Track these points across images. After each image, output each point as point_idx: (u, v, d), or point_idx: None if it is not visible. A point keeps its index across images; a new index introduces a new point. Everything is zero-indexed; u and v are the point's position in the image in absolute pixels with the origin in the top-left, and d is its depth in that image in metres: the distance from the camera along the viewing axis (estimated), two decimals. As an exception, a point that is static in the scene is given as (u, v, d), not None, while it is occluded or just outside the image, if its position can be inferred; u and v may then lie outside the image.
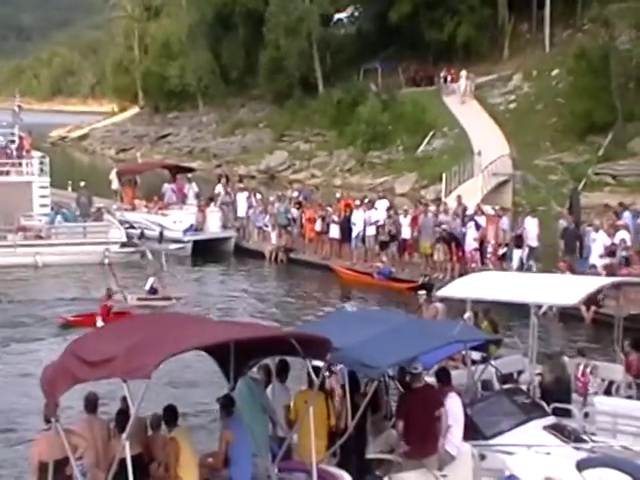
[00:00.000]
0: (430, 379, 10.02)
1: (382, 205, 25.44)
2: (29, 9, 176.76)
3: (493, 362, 11.21)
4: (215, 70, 62.34)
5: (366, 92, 49.05)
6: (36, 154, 30.68)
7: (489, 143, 38.59)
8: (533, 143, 39.77)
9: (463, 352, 10.77)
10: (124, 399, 8.30)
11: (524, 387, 11.02)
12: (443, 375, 9.80)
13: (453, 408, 9.27)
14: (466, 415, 9.46)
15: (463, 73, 47.53)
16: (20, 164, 29.49)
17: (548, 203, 33.24)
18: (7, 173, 28.71)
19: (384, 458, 9.49)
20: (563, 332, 17.97)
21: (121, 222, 28.07)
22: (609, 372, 11.92)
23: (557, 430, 9.80)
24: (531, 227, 21.77)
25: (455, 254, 22.38)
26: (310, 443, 8.44)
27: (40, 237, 26.55)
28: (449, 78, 48.97)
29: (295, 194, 29.09)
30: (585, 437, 9.89)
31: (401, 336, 9.64)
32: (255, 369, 9.50)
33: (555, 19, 47.42)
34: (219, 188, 29.93)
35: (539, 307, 12.05)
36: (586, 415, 10.65)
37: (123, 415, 8.11)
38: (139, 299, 20.60)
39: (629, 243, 19.77)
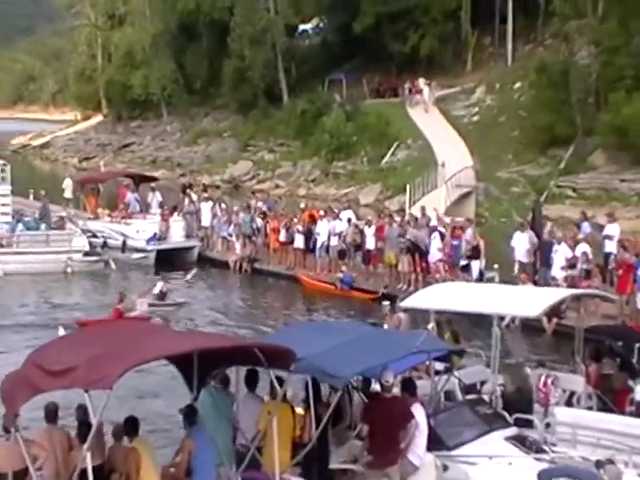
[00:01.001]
0: (394, 389, 10.03)
1: (346, 215, 25.51)
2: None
3: (456, 373, 11.26)
4: (179, 79, 62.14)
5: (330, 103, 49.20)
6: (-3, 162, 30.32)
7: (453, 155, 38.88)
8: (496, 155, 40.18)
9: (427, 362, 10.82)
10: (79, 408, 8.22)
11: (486, 398, 11.09)
12: (409, 385, 9.84)
13: (417, 418, 9.30)
14: (429, 425, 9.49)
15: (421, 80, 47.90)
16: (-20, 172, 29.12)
17: (510, 215, 33.55)
18: (-33, 181, 28.34)
19: (347, 468, 9.49)
20: (525, 343, 18.13)
21: (84, 231, 27.82)
22: (570, 383, 12.03)
23: (519, 441, 9.87)
24: (520, 242, 21.12)
25: (419, 265, 22.49)
26: (274, 453, 8.41)
27: (1, 245, 26.21)
28: (413, 90, 49.29)
29: (259, 204, 29.06)
30: (546, 448, 9.96)
31: (364, 346, 9.68)
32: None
33: (517, 34, 48.02)
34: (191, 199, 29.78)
35: (502, 318, 12.14)
36: (547, 426, 10.74)
37: (84, 426, 8.02)
38: (149, 305, 20.63)
39: (590, 256, 20.01)
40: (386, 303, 16.74)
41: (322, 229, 24.69)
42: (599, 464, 8.73)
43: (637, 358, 12.76)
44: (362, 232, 23.91)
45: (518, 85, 44.85)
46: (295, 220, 25.79)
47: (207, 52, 59.26)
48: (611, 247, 20.55)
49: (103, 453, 8.33)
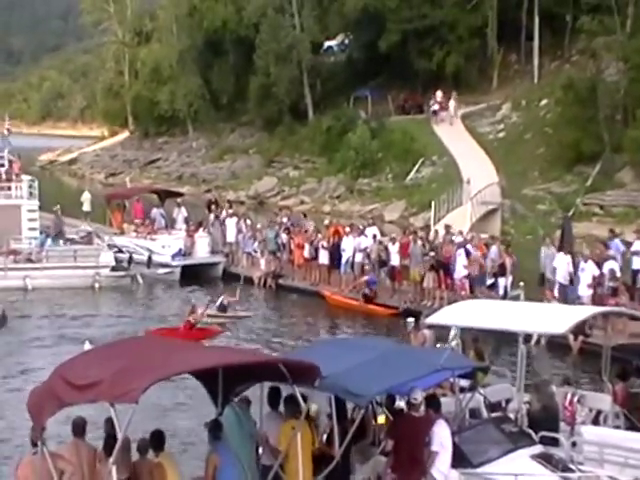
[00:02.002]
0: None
1: (371, 232, 25.51)
2: (19, 33, 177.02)
3: (481, 390, 11.19)
4: (205, 96, 62.55)
5: (356, 119, 49.26)
6: (25, 178, 30.70)
7: (478, 172, 38.75)
8: (521, 172, 40.01)
9: (451, 379, 10.77)
10: (108, 421, 8.26)
11: (512, 415, 10.99)
12: (433, 402, 9.78)
13: (441, 435, 9.25)
14: (453, 443, 9.43)
15: (438, 94, 48.00)
16: (9, 188, 29.49)
17: (536, 232, 33.36)
18: (-4, 197, 28.70)
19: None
20: (551, 361, 17.98)
21: (109, 246, 28.04)
22: (597, 402, 11.92)
23: (544, 459, 9.76)
24: (561, 264, 20.50)
25: (444, 282, 22.42)
26: (297, 470, 8.40)
27: (30, 260, 26.47)
28: (437, 106, 49.28)
29: (284, 220, 29.14)
30: (572, 466, 9.85)
31: (388, 363, 9.65)
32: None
33: (543, 50, 47.90)
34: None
35: (528, 336, 12.05)
36: (574, 444, 10.62)
37: (111, 439, 8.06)
38: (209, 315, 21.10)
39: (618, 274, 19.82)
40: (410, 320, 16.68)
41: (347, 245, 24.70)
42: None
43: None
44: (387, 249, 23.89)
45: (544, 102, 44.67)
46: (319, 236, 25.81)
47: (233, 68, 59.64)
48: (639, 264, 20.36)
49: (129, 467, 8.35)
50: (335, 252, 24.95)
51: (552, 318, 11.67)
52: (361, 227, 26.17)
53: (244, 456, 8.81)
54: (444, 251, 22.76)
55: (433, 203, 34.63)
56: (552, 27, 47.68)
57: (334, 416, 9.70)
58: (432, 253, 22.61)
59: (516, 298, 20.23)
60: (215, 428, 8.76)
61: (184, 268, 27.54)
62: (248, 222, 29.34)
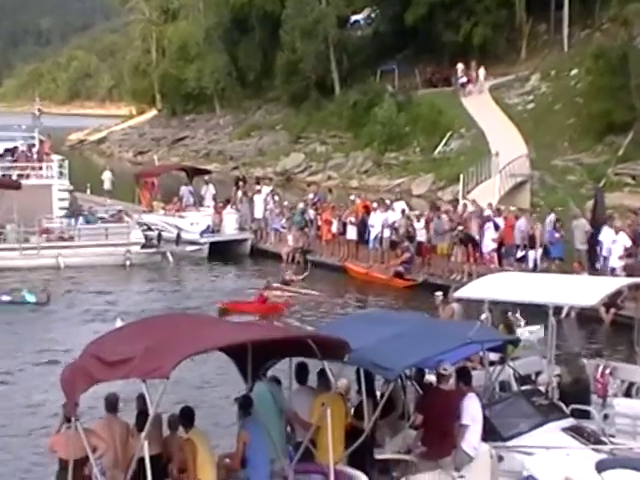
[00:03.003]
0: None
1: (399, 207, 25.41)
2: (48, 13, 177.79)
3: (511, 363, 11.15)
4: (232, 73, 62.48)
5: (382, 94, 48.91)
6: (56, 157, 30.93)
7: (507, 144, 38.38)
8: (551, 144, 39.55)
9: (480, 353, 10.73)
10: (139, 397, 8.34)
11: (542, 388, 10.95)
12: (464, 375, 9.76)
13: (471, 408, 9.23)
14: (484, 416, 9.41)
15: (460, 66, 47.71)
16: (40, 167, 29.73)
17: (566, 204, 33.04)
18: (27, 176, 28.93)
19: (400, 459, 9.46)
20: (582, 333, 17.87)
21: (139, 224, 28.22)
22: (629, 374, 11.82)
23: (576, 432, 9.71)
24: (608, 238, 19.99)
25: (472, 255, 22.32)
26: (328, 445, 8.43)
27: (63, 239, 26.72)
28: (465, 78, 48.83)
29: (311, 196, 29.10)
30: (604, 439, 9.80)
31: (417, 337, 9.63)
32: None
33: (573, 19, 47.13)
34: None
35: (558, 308, 11.97)
36: (605, 417, 10.57)
37: (142, 415, 8.15)
38: (281, 289, 21.77)
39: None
40: (439, 293, 16.62)
41: (376, 221, 24.63)
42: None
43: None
44: (412, 225, 23.82)
45: (574, 72, 44.03)
46: (347, 212, 25.76)
47: (260, 45, 59.49)
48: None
49: (160, 443, 8.45)
50: (363, 228, 24.90)
51: (583, 290, 11.57)
52: (388, 202, 26.07)
53: (274, 432, 8.84)
54: (472, 224, 22.63)
55: (461, 176, 34.39)
56: (582, -5, 46.98)
57: (363, 390, 9.71)
58: (460, 227, 22.49)
59: (545, 271, 20.03)
60: (245, 404, 8.80)
61: (212, 245, 27.66)
62: (276, 198, 29.36)
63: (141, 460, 7.53)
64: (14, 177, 28.61)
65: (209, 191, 30.72)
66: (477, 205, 24.35)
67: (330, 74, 54.27)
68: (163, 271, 26.13)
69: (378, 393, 9.85)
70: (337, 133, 50.87)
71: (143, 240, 27.00)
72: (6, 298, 21.55)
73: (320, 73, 53.90)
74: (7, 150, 31.06)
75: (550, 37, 49.57)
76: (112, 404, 8.90)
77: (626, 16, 38.83)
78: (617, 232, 20.11)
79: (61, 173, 29.86)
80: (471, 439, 9.16)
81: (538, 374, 11.67)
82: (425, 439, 9.29)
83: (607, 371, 11.64)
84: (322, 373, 9.24)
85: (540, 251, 21.21)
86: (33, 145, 31.13)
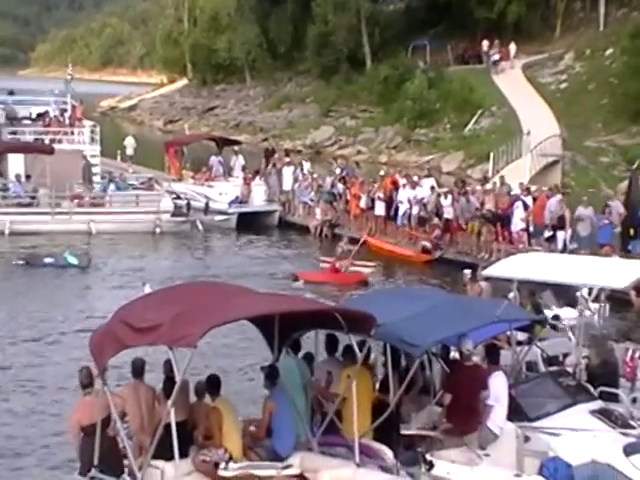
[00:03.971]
0: (474, 358, 9.91)
1: (428, 183, 25.25)
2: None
3: (539, 343, 11.06)
4: (263, 44, 62.27)
5: (414, 69, 48.56)
6: (87, 123, 31.05)
7: (539, 123, 37.99)
8: (584, 124, 39.08)
9: (508, 332, 10.66)
10: (167, 363, 8.37)
11: (570, 370, 10.87)
12: (492, 352, 9.70)
13: (498, 387, 9.19)
14: (510, 396, 9.36)
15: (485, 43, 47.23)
16: (72, 133, 29.85)
17: (598, 185, 32.69)
18: (59, 141, 29.06)
19: (426, 435, 9.45)
20: (611, 316, 17.68)
21: (168, 192, 28.31)
22: (658, 358, 11.69)
23: (604, 415, 9.62)
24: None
25: (501, 234, 22.17)
26: (353, 418, 8.43)
27: (94, 205, 26.88)
28: (498, 56, 48.30)
29: (338, 170, 29.02)
30: (633, 423, 9.72)
31: (444, 314, 9.56)
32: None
33: (610, -3, 46.50)
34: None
35: (588, 289, 11.84)
36: (634, 400, 10.46)
37: (169, 381, 8.19)
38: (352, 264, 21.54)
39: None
40: (467, 271, 16.52)
41: (404, 197, 24.52)
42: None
43: None
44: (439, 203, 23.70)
45: (610, 51, 43.40)
46: (376, 187, 25.64)
47: (291, 17, 59.16)
48: None
49: (186, 410, 8.49)
50: (391, 203, 24.80)
51: (613, 272, 11.44)
52: (416, 178, 25.90)
53: (300, 404, 8.88)
54: (500, 203, 22.45)
55: (492, 155, 34.13)
56: (620, -28, 46.20)
57: (389, 365, 9.69)
58: (488, 206, 22.29)
59: (574, 252, 19.81)
60: (271, 374, 8.83)
61: (240, 216, 27.70)
62: (305, 171, 29.29)
63: (167, 426, 7.57)
64: (46, 142, 28.76)
65: (238, 162, 30.73)
66: (505, 183, 24.13)
67: (361, 48, 53.90)
68: (192, 240, 26.27)
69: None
70: (367, 107, 50.62)
71: (173, 208, 27.10)
72: (49, 260, 21.90)
73: (351, 46, 53.56)
74: (39, 115, 31.22)
75: (586, 15, 48.88)
76: (138, 369, 8.96)
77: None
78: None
79: (92, 139, 29.98)
80: (496, 418, 9.12)
81: (566, 355, 11.59)
82: (450, 415, 9.27)
83: (636, 355, 11.50)
84: (348, 347, 9.23)
85: (570, 232, 20.99)
86: (65, 110, 31.25)
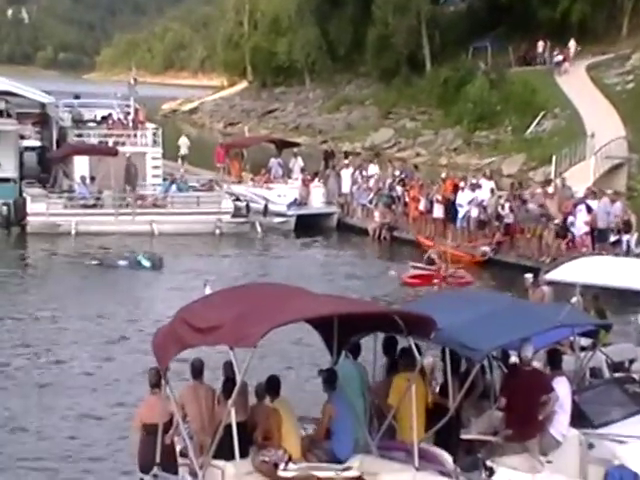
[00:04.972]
0: (536, 363, 9.76)
1: (488, 186, 24.99)
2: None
3: (603, 349, 10.84)
4: (323, 46, 62.37)
5: (474, 71, 48.11)
6: (150, 126, 31.50)
7: (603, 125, 37.27)
8: (651, 126, 38.24)
9: (571, 337, 10.47)
10: (227, 364, 8.42)
11: (636, 377, 10.63)
12: (554, 358, 9.53)
13: (561, 393, 9.02)
14: (573, 402, 9.19)
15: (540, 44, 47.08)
16: (135, 135, 30.33)
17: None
18: (123, 144, 29.57)
19: (486, 440, 9.33)
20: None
21: (228, 194, 28.57)
22: None
23: (671, 423, 9.40)
24: None
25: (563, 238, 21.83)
26: (412, 423, 8.37)
27: (156, 206, 27.27)
28: (561, 57, 47.56)
29: (397, 173, 28.91)
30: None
31: (506, 318, 9.43)
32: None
33: (678, -4, 45.43)
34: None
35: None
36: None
37: (229, 382, 8.24)
38: (414, 267, 21.72)
39: None
40: (528, 276, 16.27)
41: (463, 200, 24.31)
42: None
43: None
44: (502, 205, 23.42)
45: (679, 51, 42.46)
46: (435, 189, 25.48)
47: (351, 19, 59.13)
48: None
49: (246, 411, 8.52)
50: (450, 206, 24.60)
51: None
52: (474, 181, 25.64)
53: (358, 408, 8.84)
54: (563, 206, 22.11)
55: (554, 157, 33.63)
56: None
57: (448, 369, 9.60)
58: (557, 220, 21.85)
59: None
60: (330, 378, 8.80)
61: (299, 218, 27.79)
62: (364, 173, 29.25)
63: (227, 426, 7.62)
64: (110, 144, 29.28)
65: (297, 164, 30.85)
66: (566, 185, 23.77)
67: (421, 50, 53.63)
68: (252, 241, 26.49)
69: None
70: (427, 110, 50.34)
71: (233, 210, 27.33)
72: (123, 263, 22.32)
73: (411, 49, 53.32)
74: (104, 118, 31.79)
75: (654, 14, 47.83)
76: (197, 370, 9.01)
77: None
78: None
79: (155, 141, 30.41)
80: (559, 424, 8.97)
81: (632, 362, 11.34)
82: (510, 421, 9.13)
83: None
84: (407, 350, 9.16)
85: (635, 236, 20.58)
86: (128, 113, 31.76)
